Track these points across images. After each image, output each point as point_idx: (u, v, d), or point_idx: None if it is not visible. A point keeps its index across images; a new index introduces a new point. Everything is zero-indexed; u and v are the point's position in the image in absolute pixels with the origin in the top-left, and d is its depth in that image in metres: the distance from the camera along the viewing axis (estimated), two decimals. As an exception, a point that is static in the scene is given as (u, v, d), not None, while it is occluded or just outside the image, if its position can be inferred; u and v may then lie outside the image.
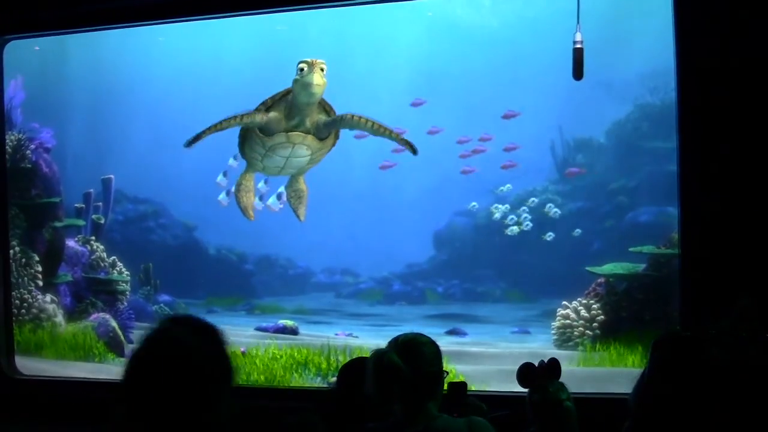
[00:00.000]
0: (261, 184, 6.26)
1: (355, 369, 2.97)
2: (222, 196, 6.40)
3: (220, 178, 6.38)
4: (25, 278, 6.27)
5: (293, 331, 6.35)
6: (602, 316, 5.44)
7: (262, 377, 5.84)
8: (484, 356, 5.71)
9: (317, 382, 5.75)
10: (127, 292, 6.49)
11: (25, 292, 6.26)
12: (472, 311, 6.49)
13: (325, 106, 5.58)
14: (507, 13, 6.34)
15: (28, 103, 6.38)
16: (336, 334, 6.24)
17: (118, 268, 6.54)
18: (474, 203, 6.41)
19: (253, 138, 5.65)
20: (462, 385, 3.11)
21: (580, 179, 6.03)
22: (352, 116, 5.51)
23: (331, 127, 5.60)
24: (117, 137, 6.79)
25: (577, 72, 4.34)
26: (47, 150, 6.45)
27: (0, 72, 5.95)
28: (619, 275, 5.42)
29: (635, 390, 1.87)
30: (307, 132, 5.54)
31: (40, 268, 6.31)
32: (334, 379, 3.74)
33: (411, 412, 2.46)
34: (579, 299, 5.55)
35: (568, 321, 5.55)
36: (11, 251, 6.12)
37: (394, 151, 6.12)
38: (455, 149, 6.30)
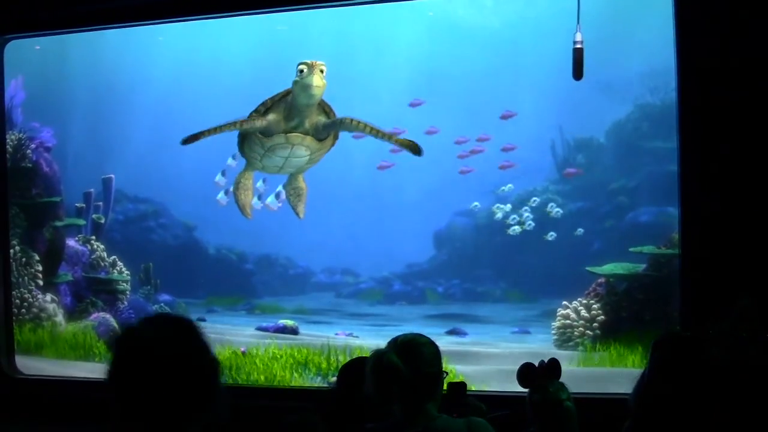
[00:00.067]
0: (259, 184, 6.25)
1: (355, 369, 2.96)
2: (221, 196, 6.39)
3: (218, 177, 6.39)
4: (26, 278, 6.27)
5: (293, 331, 6.35)
6: (602, 316, 5.43)
7: (262, 377, 5.83)
8: (484, 356, 5.70)
9: (317, 382, 5.74)
10: (128, 292, 6.49)
11: (26, 291, 6.25)
12: (472, 311, 6.49)
13: (324, 107, 5.58)
14: (508, 13, 6.35)
15: (28, 103, 6.38)
16: (336, 334, 6.24)
17: (118, 268, 6.54)
18: (476, 203, 6.41)
19: (252, 138, 5.66)
20: (461, 386, 3.11)
21: (580, 179, 6.03)
22: (351, 120, 5.51)
23: (330, 129, 5.61)
24: (117, 137, 6.81)
25: (577, 72, 4.34)
26: (48, 149, 6.45)
27: (0, 71, 5.94)
28: (619, 275, 5.41)
29: (635, 390, 1.87)
30: (306, 133, 5.54)
31: (40, 268, 6.31)
32: (334, 379, 3.74)
33: (410, 413, 2.46)
34: (579, 299, 5.55)
35: (568, 321, 5.54)
36: (12, 250, 6.11)
37: (392, 152, 6.13)
38: (454, 150, 6.30)
